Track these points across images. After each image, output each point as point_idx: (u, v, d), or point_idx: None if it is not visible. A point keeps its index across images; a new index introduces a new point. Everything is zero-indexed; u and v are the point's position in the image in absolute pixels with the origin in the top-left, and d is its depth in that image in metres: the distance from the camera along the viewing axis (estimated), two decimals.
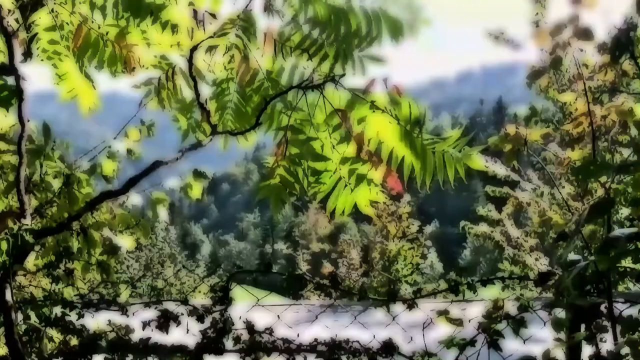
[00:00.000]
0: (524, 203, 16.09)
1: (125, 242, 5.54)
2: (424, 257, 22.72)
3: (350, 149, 4.17)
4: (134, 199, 5.82)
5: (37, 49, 4.88)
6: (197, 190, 6.02)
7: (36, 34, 4.80)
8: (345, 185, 4.26)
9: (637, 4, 3.05)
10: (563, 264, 2.97)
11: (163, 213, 6.00)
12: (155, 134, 6.25)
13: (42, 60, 4.90)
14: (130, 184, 4.29)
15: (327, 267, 23.40)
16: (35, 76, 4.92)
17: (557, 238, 3.01)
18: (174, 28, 4.55)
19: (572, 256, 2.94)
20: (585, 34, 4.59)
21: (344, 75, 4.16)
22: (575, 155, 4.92)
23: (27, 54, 4.91)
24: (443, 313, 3.89)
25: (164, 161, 4.25)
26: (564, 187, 11.59)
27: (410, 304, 3.92)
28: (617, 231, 2.04)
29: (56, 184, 5.07)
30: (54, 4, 4.68)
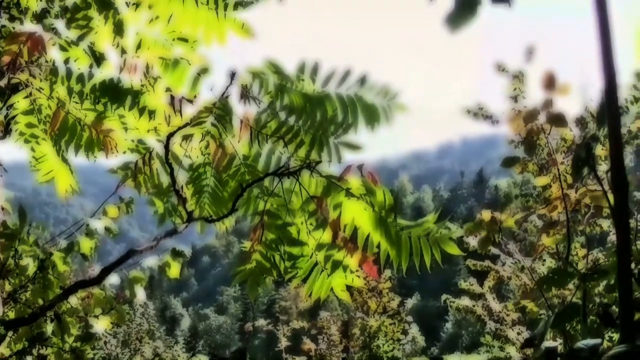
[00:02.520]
0: (504, 277, 16.08)
1: (100, 324, 5.47)
2: (405, 332, 22.51)
3: (326, 235, 4.18)
4: (111, 278, 5.78)
5: (15, 131, 4.90)
6: (175, 269, 6.00)
7: (15, 116, 4.83)
8: (322, 271, 4.25)
9: (597, 119, 3.13)
10: None
11: (140, 292, 5.96)
12: (134, 210, 6.25)
13: (19, 142, 4.92)
14: (104, 273, 4.27)
15: (307, 344, 23.13)
16: (17, 147, 4.92)
17: (524, 344, 3.01)
18: (151, 114, 4.59)
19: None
20: (558, 119, 4.68)
21: (319, 162, 4.19)
22: (549, 241, 4.95)
23: (5, 134, 4.93)
24: None
25: (139, 250, 4.24)
26: (544, 260, 11.61)
27: None
28: (581, 342, 2.05)
29: (31, 268, 5.03)
30: (32, 88, 4.72)
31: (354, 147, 4.31)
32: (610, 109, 1.98)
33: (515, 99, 9.01)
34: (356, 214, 4.09)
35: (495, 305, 17.77)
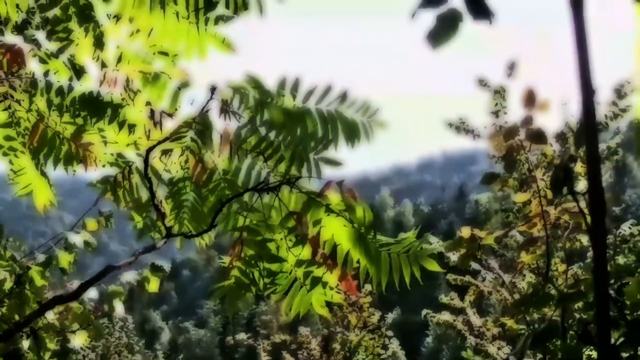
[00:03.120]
0: (485, 292, 16.08)
1: (78, 339, 5.43)
2: (385, 347, 22.44)
3: (305, 251, 4.16)
4: (90, 292, 5.74)
5: None
6: (154, 284, 5.96)
7: None
8: (301, 287, 4.23)
9: (575, 140, 3.15)
10: None
11: (119, 306, 5.92)
12: (113, 224, 6.21)
13: None
14: (81, 289, 4.23)
15: (287, 358, 23.01)
16: None
17: None
18: (131, 127, 4.57)
19: None
20: (537, 136, 4.70)
21: (299, 177, 4.19)
22: (528, 258, 4.96)
23: None
24: None
25: (116, 266, 4.21)
26: (524, 275, 11.62)
27: None
28: None
29: (7, 283, 4.98)
30: (12, 100, 4.69)
31: (333, 163, 4.31)
32: (588, 131, 1.99)
33: (496, 114, 9.01)
34: (336, 231, 4.09)
35: (476, 320, 17.77)
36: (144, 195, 4.86)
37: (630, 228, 8.73)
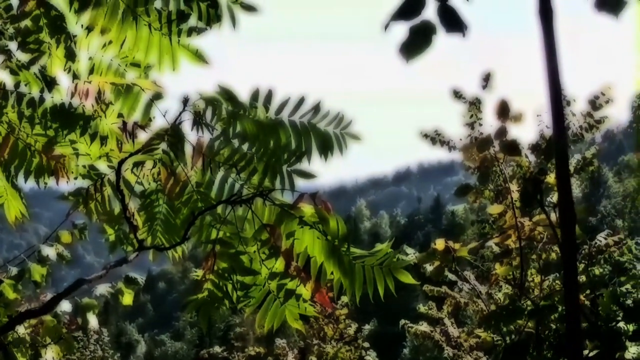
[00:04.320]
0: (461, 303, 16.10)
1: (50, 354, 5.37)
2: (362, 359, 22.37)
3: (279, 264, 4.14)
4: (64, 305, 5.68)
5: None
6: (128, 297, 5.92)
7: None
8: (275, 300, 4.21)
9: (545, 153, 3.16)
10: None
11: (93, 320, 5.86)
12: (87, 236, 6.15)
13: None
14: (52, 302, 4.19)
15: None
16: None
17: None
18: (103, 140, 4.53)
19: None
20: (511, 148, 4.71)
21: (272, 190, 4.17)
22: (502, 270, 4.97)
23: None
24: None
25: (87, 279, 4.16)
26: (501, 286, 11.64)
27: None
28: None
29: None
30: None
31: (307, 175, 4.30)
32: (557, 145, 1.99)
33: (471, 125, 9.02)
34: (309, 243, 4.08)
35: (454, 331, 17.78)
36: (116, 207, 4.82)
37: (605, 239, 8.75)
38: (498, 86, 8.52)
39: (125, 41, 4.53)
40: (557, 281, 9.88)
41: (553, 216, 4.39)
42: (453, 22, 2.79)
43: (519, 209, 4.88)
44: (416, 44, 2.85)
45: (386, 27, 2.84)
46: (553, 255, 7.24)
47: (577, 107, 9.25)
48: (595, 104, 9.15)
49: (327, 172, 4.38)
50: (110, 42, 4.60)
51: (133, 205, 4.73)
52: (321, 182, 4.41)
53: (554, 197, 6.20)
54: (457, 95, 9.74)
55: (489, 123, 8.64)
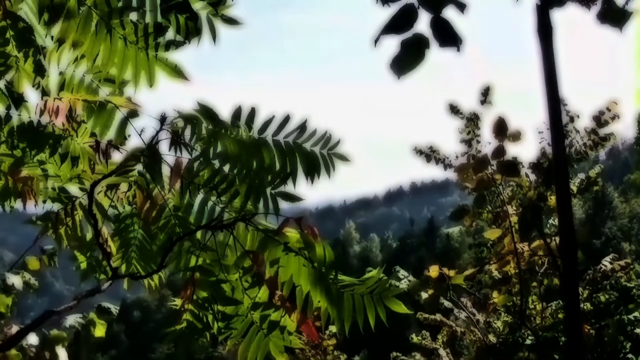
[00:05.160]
0: (458, 332, 16.06)
1: None
2: None
3: (262, 293, 4.14)
4: (30, 338, 5.64)
5: None
6: (100, 328, 5.89)
7: None
8: (258, 331, 4.20)
9: (544, 178, 3.17)
10: None
11: (62, 353, 5.82)
12: (57, 262, 6.12)
13: None
14: (18, 336, 4.16)
15: None
16: None
17: None
18: (75, 160, 4.52)
19: None
20: (510, 169, 4.73)
21: (255, 214, 4.17)
22: (501, 299, 4.97)
23: None
24: None
25: (57, 310, 4.14)
26: (500, 314, 11.63)
27: None
28: None
29: None
30: None
31: (292, 198, 4.30)
32: (558, 170, 2.01)
33: (468, 143, 8.98)
34: (294, 271, 4.07)
35: None
36: (88, 233, 4.81)
37: (611, 263, 8.74)
38: (496, 100, 8.56)
39: (99, 55, 4.53)
40: (560, 308, 9.89)
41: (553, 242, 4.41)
42: (447, 35, 2.81)
43: (517, 234, 4.89)
44: (408, 59, 2.87)
45: (376, 41, 2.86)
46: (555, 280, 7.24)
47: (581, 124, 9.26)
48: (600, 120, 9.16)
49: (313, 192, 4.38)
50: (83, 56, 4.60)
51: (106, 230, 4.72)
52: (306, 202, 4.41)
53: (555, 220, 6.22)
54: (454, 110, 9.74)
55: (487, 139, 8.67)
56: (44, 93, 4.71)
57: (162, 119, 4.19)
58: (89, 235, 4.83)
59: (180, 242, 4.35)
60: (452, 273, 4.74)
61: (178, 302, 4.28)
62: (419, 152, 10.89)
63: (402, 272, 8.66)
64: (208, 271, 4.23)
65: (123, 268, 4.71)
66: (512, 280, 4.88)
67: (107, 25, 4.44)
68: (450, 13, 2.81)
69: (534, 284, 6.11)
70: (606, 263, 8.79)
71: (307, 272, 4.04)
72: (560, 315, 9.36)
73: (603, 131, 9.29)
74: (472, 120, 9.28)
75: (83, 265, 4.97)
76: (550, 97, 2.18)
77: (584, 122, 9.36)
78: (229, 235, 4.19)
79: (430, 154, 10.92)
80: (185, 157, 4.27)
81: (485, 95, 8.67)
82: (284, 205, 4.34)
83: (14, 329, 5.20)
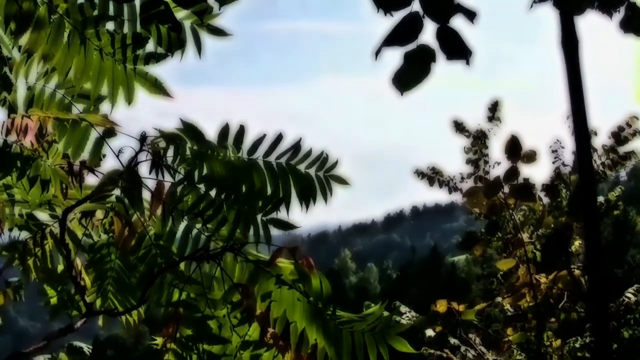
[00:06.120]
0: None
1: None
2: None
3: (253, 331, 4.13)
4: None
5: None
6: None
7: None
8: None
9: (569, 205, 3.18)
10: None
11: None
12: (23, 296, 6.09)
13: None
14: None
15: None
16: None
17: None
18: (45, 184, 4.51)
19: None
20: (524, 193, 4.73)
21: (245, 243, 4.16)
22: (516, 337, 4.96)
23: None
24: None
25: (25, 352, 4.12)
26: (513, 351, 11.60)
27: None
28: None
29: None
30: None
31: (285, 225, 4.29)
32: (585, 194, 2.01)
33: (475, 163, 8.92)
34: (288, 306, 4.06)
35: None
36: (60, 264, 4.79)
37: (635, 295, 8.65)
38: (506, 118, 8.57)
39: (72, 68, 4.52)
40: (581, 346, 9.83)
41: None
42: (455, 47, 2.81)
43: (533, 264, 4.88)
44: (412, 73, 2.87)
45: (377, 53, 2.86)
46: (574, 315, 7.21)
47: (599, 141, 9.25)
48: (619, 137, 9.14)
49: (305, 219, 4.37)
50: (54, 69, 4.60)
51: (80, 261, 4.70)
52: (298, 229, 4.41)
53: (573, 247, 6.21)
54: (459, 127, 9.70)
55: (496, 159, 8.64)
56: (11, 110, 4.71)
57: (142, 139, 4.18)
58: (60, 267, 4.82)
59: (162, 274, 4.34)
60: (461, 308, 4.73)
61: (159, 340, 4.26)
62: (421, 174, 10.84)
63: (403, 308, 8.57)
64: (193, 306, 4.22)
65: (98, 303, 4.68)
66: (527, 315, 4.86)
67: (81, 36, 4.43)
68: (458, 22, 2.81)
69: (552, 319, 6.09)
70: (630, 295, 8.72)
71: (302, 307, 4.04)
72: (580, 354, 9.31)
73: (623, 149, 9.27)
74: (480, 139, 9.23)
75: (53, 301, 4.94)
76: (577, 115, 2.19)
77: (602, 139, 9.36)
78: (215, 266, 4.18)
79: (433, 176, 10.86)
80: (167, 180, 4.26)
81: (494, 110, 8.68)
82: (275, 232, 4.33)
83: None
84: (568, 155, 8.96)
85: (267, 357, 4.14)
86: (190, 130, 4.20)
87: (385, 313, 4.11)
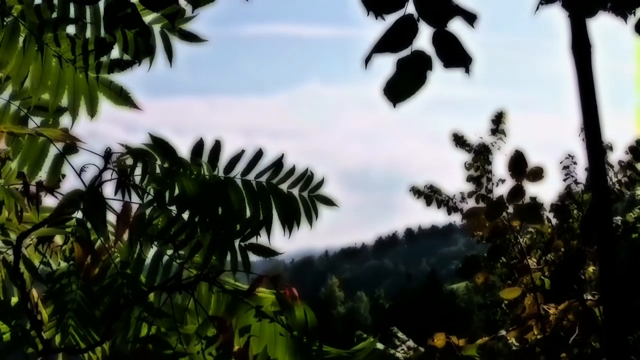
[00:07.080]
0: None
1: None
2: None
3: None
4: None
5: None
6: None
7: None
8: None
9: (582, 231, 3.18)
10: None
11: None
12: None
13: None
14: None
15: None
16: None
17: None
18: None
19: None
20: (530, 214, 4.73)
21: (221, 271, 4.15)
22: None
23: None
24: None
25: None
26: None
27: None
28: None
29: None
30: None
31: (266, 251, 4.28)
32: (600, 217, 2.01)
33: (477, 181, 8.93)
34: (270, 341, 4.06)
35: None
36: (14, 296, 4.76)
37: None
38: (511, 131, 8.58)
39: (28, 77, 4.52)
40: None
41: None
42: (453, 53, 2.81)
43: (541, 293, 4.88)
44: (406, 82, 2.86)
45: (367, 61, 2.86)
46: (587, 349, 7.21)
47: (615, 156, 9.26)
48: (637, 152, 9.16)
49: (288, 242, 4.36)
50: (8, 78, 4.59)
51: (36, 292, 4.67)
52: (280, 255, 4.40)
53: (586, 273, 6.21)
54: (460, 141, 9.70)
55: (500, 176, 8.65)
56: None
57: (107, 156, 4.17)
58: (14, 299, 4.78)
59: (129, 306, 4.32)
60: (461, 342, 4.72)
61: None
62: (418, 192, 10.81)
63: (401, 335, 8.52)
64: (163, 342, 4.20)
65: (57, 339, 4.66)
66: (535, 350, 4.85)
67: (38, 41, 4.43)
68: (456, 26, 2.81)
69: (563, 354, 6.08)
70: None
71: (284, 342, 4.03)
72: None
73: None
74: (482, 154, 9.24)
75: (6, 337, 4.91)
76: (590, 127, 2.19)
77: (618, 154, 9.38)
78: (188, 297, 4.17)
79: (431, 195, 10.82)
80: (135, 202, 4.25)
81: (498, 122, 8.70)
82: (254, 259, 4.32)
83: None
84: (580, 172, 9.01)
85: None
86: (160, 145, 4.20)
87: (379, 345, 4.11)
